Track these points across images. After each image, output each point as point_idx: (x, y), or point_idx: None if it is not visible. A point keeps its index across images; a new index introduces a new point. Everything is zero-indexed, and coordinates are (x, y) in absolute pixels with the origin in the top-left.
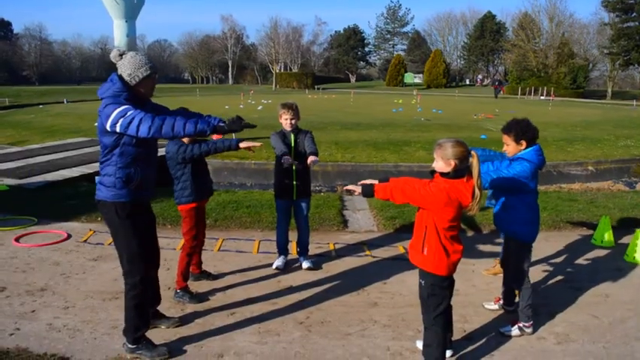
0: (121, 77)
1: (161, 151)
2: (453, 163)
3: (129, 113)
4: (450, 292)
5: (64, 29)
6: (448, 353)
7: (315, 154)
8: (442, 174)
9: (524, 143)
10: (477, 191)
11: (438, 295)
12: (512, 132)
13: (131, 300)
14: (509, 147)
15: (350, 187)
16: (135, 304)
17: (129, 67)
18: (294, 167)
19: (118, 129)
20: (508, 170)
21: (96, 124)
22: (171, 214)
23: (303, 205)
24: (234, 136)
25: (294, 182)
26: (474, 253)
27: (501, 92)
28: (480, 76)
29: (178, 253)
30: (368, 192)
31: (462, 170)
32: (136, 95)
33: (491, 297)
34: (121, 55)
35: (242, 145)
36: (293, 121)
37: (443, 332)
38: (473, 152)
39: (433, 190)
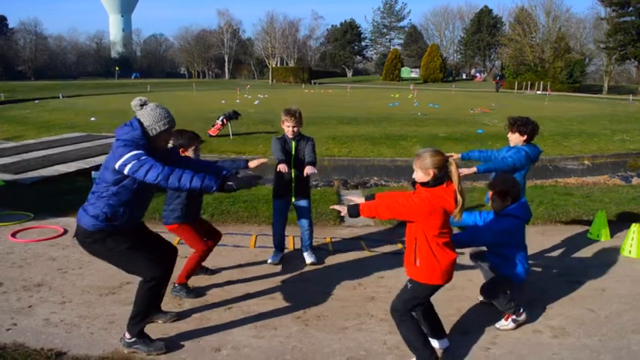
0: (141, 124)
1: None
2: (431, 172)
3: (142, 158)
4: (431, 296)
5: (60, 24)
6: (443, 345)
7: (313, 164)
8: (422, 184)
9: (509, 199)
10: (458, 197)
11: (419, 299)
12: (498, 189)
13: (147, 291)
14: (496, 203)
15: (336, 207)
16: (150, 295)
17: (148, 119)
18: (292, 173)
19: (126, 171)
20: (496, 226)
21: (92, 118)
22: None
23: (303, 204)
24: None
25: (293, 184)
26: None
27: (502, 86)
28: (477, 73)
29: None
30: (353, 212)
31: (440, 178)
32: (151, 144)
33: None
34: (142, 105)
35: (251, 164)
36: (295, 129)
37: (412, 326)
38: (451, 160)
39: (416, 201)
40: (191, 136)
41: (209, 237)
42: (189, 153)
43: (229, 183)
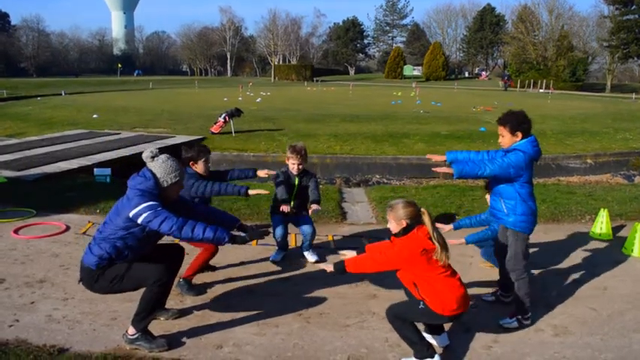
0: (154, 175)
1: (164, 141)
2: (404, 222)
3: (157, 210)
4: None
5: (62, 21)
6: (444, 341)
7: (318, 202)
8: (395, 235)
9: (519, 135)
10: (434, 241)
11: (430, 319)
12: (508, 123)
13: (152, 291)
14: (505, 138)
15: (322, 266)
16: (157, 293)
17: (159, 172)
18: (292, 204)
19: (140, 220)
20: (502, 160)
21: (95, 115)
22: None
23: (305, 216)
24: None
25: (292, 203)
26: (472, 246)
27: (510, 86)
28: (482, 71)
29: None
30: (339, 268)
31: (411, 225)
32: (163, 195)
33: (488, 289)
34: (152, 157)
35: (251, 192)
36: (300, 166)
37: (408, 324)
38: (423, 209)
39: (395, 250)
40: (201, 149)
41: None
42: (200, 165)
43: (242, 235)
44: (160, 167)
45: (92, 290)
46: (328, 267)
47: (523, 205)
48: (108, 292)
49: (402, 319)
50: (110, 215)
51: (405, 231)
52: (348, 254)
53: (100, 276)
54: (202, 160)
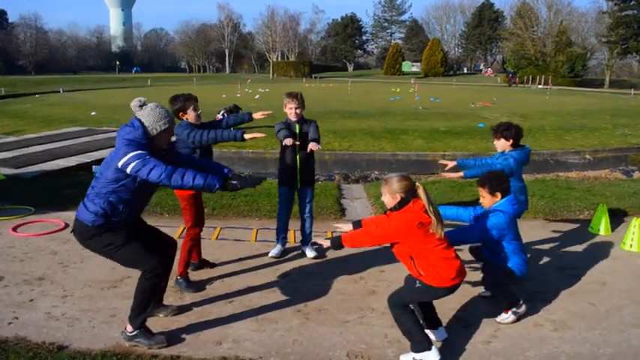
0: (142, 124)
1: None
2: (398, 196)
3: (145, 158)
4: None
5: (60, 18)
6: (442, 335)
7: (317, 141)
8: (390, 209)
9: (499, 195)
10: (431, 216)
11: (422, 298)
12: (487, 185)
13: (148, 280)
14: (485, 199)
15: (319, 241)
16: (153, 283)
17: (148, 120)
18: (297, 157)
19: (129, 170)
20: (484, 223)
21: (93, 112)
22: (168, 202)
23: (308, 192)
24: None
25: (298, 170)
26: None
27: (514, 83)
28: (484, 67)
29: (178, 241)
30: (336, 244)
31: (406, 199)
32: (152, 144)
33: None
34: (141, 106)
35: (247, 136)
36: (298, 111)
37: (409, 314)
38: (418, 184)
39: (392, 224)
40: (186, 97)
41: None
42: (190, 114)
43: (233, 182)
44: (149, 115)
45: (84, 245)
46: (325, 242)
47: (516, 257)
48: (98, 253)
49: (403, 306)
50: (101, 169)
51: (401, 205)
52: (344, 227)
53: (96, 236)
54: (191, 107)
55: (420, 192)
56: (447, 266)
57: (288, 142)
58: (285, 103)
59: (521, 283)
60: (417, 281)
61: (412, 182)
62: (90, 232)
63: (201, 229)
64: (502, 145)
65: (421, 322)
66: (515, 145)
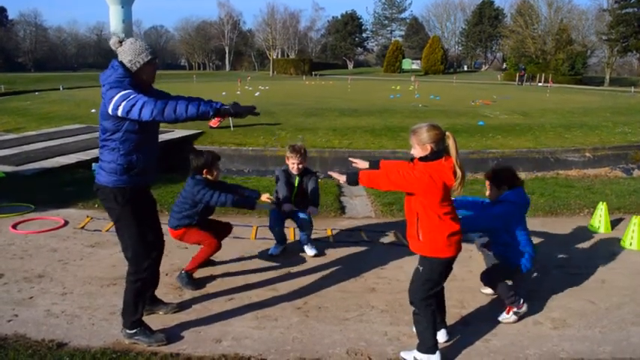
0: (122, 63)
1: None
2: (429, 147)
3: (131, 97)
4: (446, 275)
5: (60, 15)
6: (443, 337)
7: (316, 205)
8: (420, 158)
9: (505, 188)
10: (457, 171)
11: (433, 280)
12: (494, 178)
13: (133, 283)
14: (491, 192)
15: (334, 174)
16: (137, 288)
17: (129, 54)
18: (293, 201)
19: (119, 112)
20: (491, 211)
21: (93, 110)
22: (168, 200)
23: (303, 214)
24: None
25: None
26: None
27: (525, 80)
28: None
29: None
30: (352, 180)
31: (439, 152)
32: (137, 81)
33: None
34: (120, 42)
35: (262, 198)
36: (300, 166)
37: (432, 314)
38: (448, 133)
39: (416, 174)
40: (213, 155)
41: (219, 232)
42: (214, 172)
43: (226, 107)
44: (129, 49)
45: (105, 205)
46: (341, 177)
47: (522, 251)
48: (112, 219)
49: (424, 300)
50: (100, 123)
51: (434, 156)
52: (360, 164)
53: (119, 200)
54: (216, 167)
55: (450, 142)
56: (446, 235)
57: (287, 208)
58: (288, 157)
59: (523, 280)
60: (418, 265)
61: (442, 132)
62: (112, 193)
63: (222, 236)
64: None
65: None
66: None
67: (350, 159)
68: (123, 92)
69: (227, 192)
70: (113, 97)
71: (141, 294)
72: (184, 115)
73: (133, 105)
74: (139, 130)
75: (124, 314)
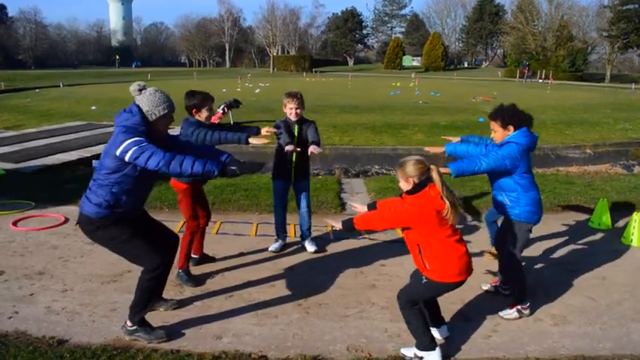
0: (140, 110)
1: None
2: (411, 180)
3: (142, 145)
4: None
5: (59, 12)
6: (444, 333)
7: (318, 143)
8: (407, 192)
9: (511, 128)
10: (445, 201)
11: (432, 295)
12: (499, 118)
13: (147, 281)
14: (497, 133)
15: (331, 222)
16: (150, 285)
17: (147, 104)
18: (294, 154)
19: (127, 157)
20: (497, 153)
21: (93, 107)
22: (168, 197)
23: (302, 186)
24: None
25: (293, 165)
26: (474, 236)
27: (530, 76)
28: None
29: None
30: (348, 226)
31: (421, 183)
32: (151, 129)
33: (489, 279)
34: (140, 90)
35: (252, 140)
36: (298, 111)
37: (418, 312)
38: (432, 167)
39: (407, 208)
40: (204, 96)
41: (202, 214)
42: (203, 113)
43: (232, 168)
44: (148, 99)
45: (91, 238)
46: (337, 223)
47: (526, 196)
48: (103, 245)
49: (411, 304)
50: (101, 159)
51: (416, 189)
52: (359, 208)
53: (102, 228)
54: (206, 107)
55: (434, 174)
56: (454, 260)
57: (290, 148)
58: (285, 103)
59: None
60: (424, 278)
61: (427, 166)
62: (94, 224)
63: (205, 222)
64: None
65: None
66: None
67: (350, 203)
68: (135, 139)
69: (220, 131)
70: (124, 141)
71: (153, 291)
72: (189, 171)
73: (142, 153)
74: (138, 175)
75: (133, 308)
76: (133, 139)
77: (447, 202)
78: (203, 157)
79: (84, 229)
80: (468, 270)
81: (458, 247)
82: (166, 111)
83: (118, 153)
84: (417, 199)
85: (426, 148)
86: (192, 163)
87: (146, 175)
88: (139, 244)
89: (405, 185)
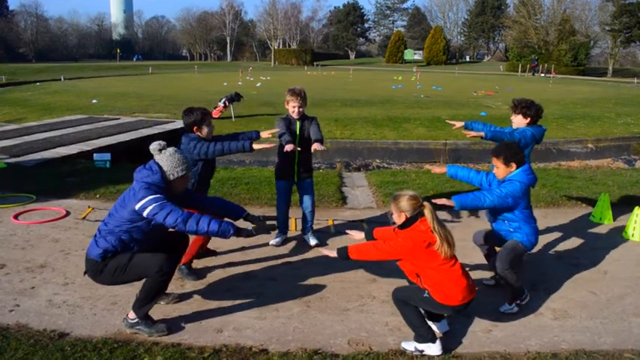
0: (160, 168)
1: (164, 126)
2: (404, 215)
3: (161, 202)
4: None
5: (60, 6)
6: (444, 327)
7: (321, 141)
8: (398, 226)
9: (514, 166)
10: (436, 236)
11: (434, 308)
12: (502, 155)
13: (157, 279)
14: (499, 169)
15: (324, 251)
16: (161, 282)
17: (167, 165)
18: (296, 153)
19: (145, 213)
20: (501, 190)
21: (94, 100)
22: None
23: (306, 185)
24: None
25: (296, 165)
26: (473, 230)
27: (538, 71)
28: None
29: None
30: (343, 255)
31: (412, 218)
32: (169, 187)
33: (490, 274)
34: (160, 150)
35: (255, 146)
36: (300, 109)
37: (413, 308)
38: (425, 203)
39: (400, 241)
40: (203, 112)
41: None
42: (204, 129)
43: (248, 229)
44: (167, 160)
45: (97, 282)
46: (331, 252)
47: (527, 225)
48: (112, 284)
49: (406, 302)
50: (116, 207)
51: (407, 224)
52: (357, 236)
53: (104, 267)
54: (206, 122)
55: (427, 211)
56: (454, 286)
57: (289, 148)
58: (288, 100)
59: (523, 271)
60: (426, 292)
61: (420, 202)
62: (99, 266)
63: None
64: (519, 121)
65: (423, 313)
66: (532, 125)
67: (347, 231)
68: (155, 196)
69: (222, 142)
70: (145, 197)
71: (162, 288)
72: (205, 230)
73: (161, 210)
74: (149, 230)
75: (139, 302)
76: (153, 196)
77: (438, 237)
78: (220, 212)
79: (91, 275)
80: (471, 292)
81: (454, 272)
82: (184, 172)
83: (137, 207)
84: (408, 233)
85: (427, 166)
86: (208, 223)
87: (158, 230)
88: (140, 260)
89: (397, 219)
